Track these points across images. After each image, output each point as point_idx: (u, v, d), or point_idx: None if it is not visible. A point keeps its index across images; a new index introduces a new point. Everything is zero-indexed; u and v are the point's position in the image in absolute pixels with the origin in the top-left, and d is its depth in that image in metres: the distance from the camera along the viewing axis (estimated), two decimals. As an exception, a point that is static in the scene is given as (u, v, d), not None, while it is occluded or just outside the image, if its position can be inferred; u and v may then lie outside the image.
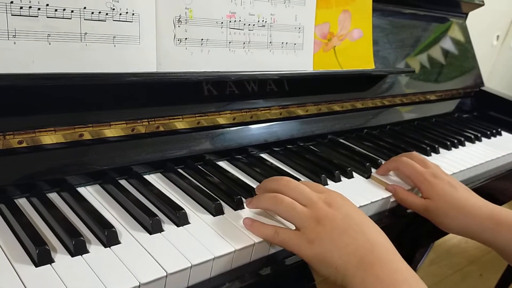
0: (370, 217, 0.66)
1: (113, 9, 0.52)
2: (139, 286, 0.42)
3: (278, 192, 0.55)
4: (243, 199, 0.59)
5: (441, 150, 0.91)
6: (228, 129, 0.70)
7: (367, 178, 0.74)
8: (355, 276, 0.47)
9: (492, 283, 1.64)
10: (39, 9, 0.47)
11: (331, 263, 0.48)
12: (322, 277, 0.52)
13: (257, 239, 0.52)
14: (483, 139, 1.03)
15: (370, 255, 0.48)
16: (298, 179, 0.66)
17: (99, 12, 0.52)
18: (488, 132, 1.06)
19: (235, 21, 0.64)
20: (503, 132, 1.11)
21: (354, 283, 0.47)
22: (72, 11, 0.50)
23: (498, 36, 2.20)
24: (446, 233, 0.94)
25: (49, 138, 0.53)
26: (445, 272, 1.83)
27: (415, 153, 0.77)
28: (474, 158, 0.90)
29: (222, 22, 0.62)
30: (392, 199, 0.70)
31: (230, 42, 0.64)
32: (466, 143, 0.98)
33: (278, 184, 0.56)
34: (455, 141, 0.95)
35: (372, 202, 0.66)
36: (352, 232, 0.49)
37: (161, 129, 0.62)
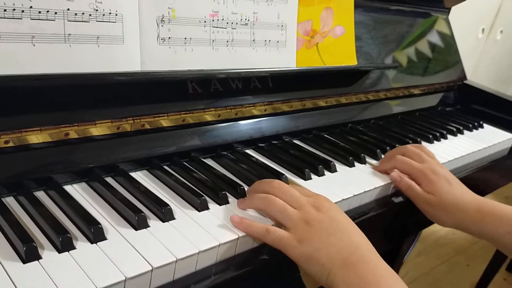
0: (353, 209, 0.68)
1: (97, 10, 0.53)
2: (125, 280, 0.43)
3: (270, 193, 0.57)
4: (228, 194, 0.60)
5: (423, 143, 0.93)
6: (213, 126, 0.71)
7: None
8: (338, 274, 0.50)
9: (479, 273, 1.67)
10: (23, 11, 0.48)
11: (318, 261, 0.51)
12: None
13: (241, 233, 0.53)
14: (465, 131, 1.06)
15: (354, 255, 0.51)
16: (282, 174, 0.68)
17: (83, 13, 0.52)
18: (470, 125, 1.08)
19: (218, 20, 0.65)
20: (484, 125, 1.13)
21: (338, 280, 0.50)
22: (55, 13, 0.50)
23: (483, 29, 2.22)
24: (433, 222, 0.96)
25: (35, 137, 0.53)
26: (433, 263, 1.86)
27: (409, 147, 0.79)
28: (456, 150, 0.92)
29: (205, 21, 0.64)
30: (376, 191, 0.72)
31: (213, 41, 0.65)
32: (449, 136, 1.00)
33: (269, 186, 0.58)
34: (438, 134, 0.97)
35: (354, 195, 0.67)
36: (338, 233, 0.53)
37: (147, 127, 0.63)
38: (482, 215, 0.68)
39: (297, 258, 0.52)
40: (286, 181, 0.67)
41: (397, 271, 1.43)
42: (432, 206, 0.70)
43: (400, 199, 0.74)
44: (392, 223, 0.76)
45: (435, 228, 2.05)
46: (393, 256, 1.35)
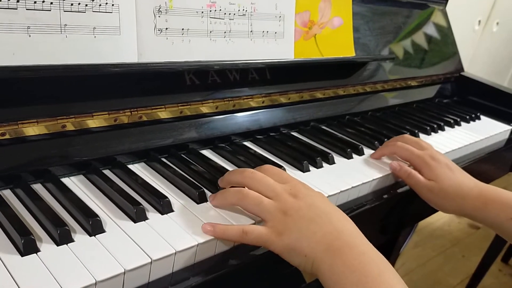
0: (351, 201, 0.68)
1: (93, 0, 0.53)
2: (124, 273, 0.43)
3: (243, 184, 0.55)
4: (227, 186, 0.60)
5: (420, 135, 0.93)
6: (211, 118, 0.71)
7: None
8: (323, 262, 0.48)
9: (474, 264, 1.69)
10: (18, 1, 0.48)
11: (300, 252, 0.49)
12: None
13: (240, 223, 0.53)
14: (462, 123, 1.06)
15: (337, 241, 0.49)
16: (280, 166, 0.67)
17: (79, 4, 0.52)
18: (467, 117, 1.08)
19: (215, 10, 0.64)
20: (482, 116, 1.13)
21: (323, 269, 0.48)
22: (51, 3, 0.50)
23: (479, 21, 2.22)
24: (429, 214, 0.96)
25: (31, 129, 0.53)
26: (429, 254, 1.87)
27: (407, 135, 0.79)
28: (453, 142, 0.93)
29: (202, 12, 0.63)
30: (375, 183, 0.71)
31: (211, 32, 0.64)
32: (446, 127, 1.00)
33: (242, 176, 0.55)
34: (435, 126, 0.97)
35: (353, 187, 0.67)
36: (318, 220, 0.50)
37: (144, 119, 0.63)
38: (485, 201, 0.68)
39: (280, 251, 0.50)
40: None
41: (393, 262, 1.44)
42: (433, 193, 0.70)
43: (398, 190, 0.74)
44: (390, 215, 0.77)
45: (431, 219, 2.06)
46: (390, 247, 1.36)
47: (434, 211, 0.92)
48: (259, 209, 0.52)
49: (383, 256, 0.49)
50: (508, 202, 0.67)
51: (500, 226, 0.68)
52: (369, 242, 0.50)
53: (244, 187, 0.55)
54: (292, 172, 0.68)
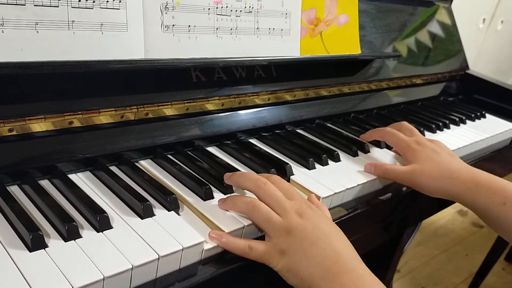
0: (357, 199, 0.68)
1: (100, -4, 0.53)
2: (132, 268, 0.43)
3: (253, 192, 0.55)
4: (232, 183, 0.60)
5: (426, 133, 0.93)
6: (216, 115, 0.71)
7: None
8: (320, 286, 0.48)
9: (478, 262, 1.68)
10: (25, -3, 0.48)
11: (297, 274, 0.49)
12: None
13: (247, 222, 0.53)
14: (468, 121, 1.05)
15: (335, 265, 0.48)
16: (287, 163, 0.67)
17: (86, 0, 0.52)
18: (473, 115, 1.08)
19: (222, 7, 0.64)
20: (487, 115, 1.13)
21: None
22: (59, -1, 0.50)
23: (484, 19, 2.21)
24: (434, 213, 0.96)
25: (38, 126, 0.53)
26: (432, 253, 1.87)
27: (404, 122, 0.80)
28: (458, 140, 0.92)
29: (209, 9, 0.63)
30: (380, 181, 0.71)
31: (217, 29, 0.64)
32: (451, 125, 1.00)
33: (255, 186, 0.55)
34: (440, 124, 0.97)
35: (358, 185, 0.67)
36: (320, 242, 0.50)
37: (150, 115, 0.63)
38: (476, 184, 0.66)
39: (279, 270, 0.50)
40: (291, 170, 0.66)
41: (397, 261, 1.44)
42: (414, 176, 0.69)
43: (403, 188, 0.74)
44: (394, 213, 0.76)
45: (434, 218, 2.05)
46: (393, 246, 1.36)
47: (438, 209, 0.92)
48: (267, 224, 0.52)
49: (378, 280, 0.49)
50: (501, 187, 0.65)
51: (489, 211, 0.66)
52: (365, 266, 0.50)
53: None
54: (298, 169, 0.68)
